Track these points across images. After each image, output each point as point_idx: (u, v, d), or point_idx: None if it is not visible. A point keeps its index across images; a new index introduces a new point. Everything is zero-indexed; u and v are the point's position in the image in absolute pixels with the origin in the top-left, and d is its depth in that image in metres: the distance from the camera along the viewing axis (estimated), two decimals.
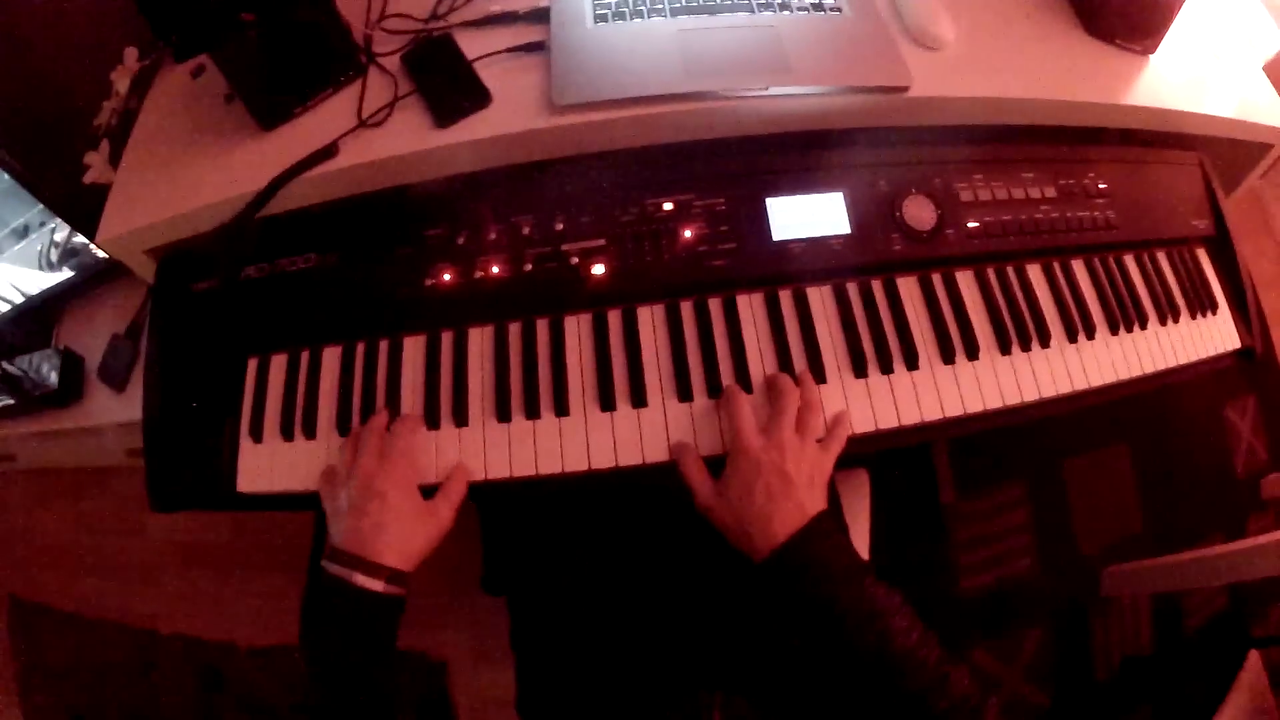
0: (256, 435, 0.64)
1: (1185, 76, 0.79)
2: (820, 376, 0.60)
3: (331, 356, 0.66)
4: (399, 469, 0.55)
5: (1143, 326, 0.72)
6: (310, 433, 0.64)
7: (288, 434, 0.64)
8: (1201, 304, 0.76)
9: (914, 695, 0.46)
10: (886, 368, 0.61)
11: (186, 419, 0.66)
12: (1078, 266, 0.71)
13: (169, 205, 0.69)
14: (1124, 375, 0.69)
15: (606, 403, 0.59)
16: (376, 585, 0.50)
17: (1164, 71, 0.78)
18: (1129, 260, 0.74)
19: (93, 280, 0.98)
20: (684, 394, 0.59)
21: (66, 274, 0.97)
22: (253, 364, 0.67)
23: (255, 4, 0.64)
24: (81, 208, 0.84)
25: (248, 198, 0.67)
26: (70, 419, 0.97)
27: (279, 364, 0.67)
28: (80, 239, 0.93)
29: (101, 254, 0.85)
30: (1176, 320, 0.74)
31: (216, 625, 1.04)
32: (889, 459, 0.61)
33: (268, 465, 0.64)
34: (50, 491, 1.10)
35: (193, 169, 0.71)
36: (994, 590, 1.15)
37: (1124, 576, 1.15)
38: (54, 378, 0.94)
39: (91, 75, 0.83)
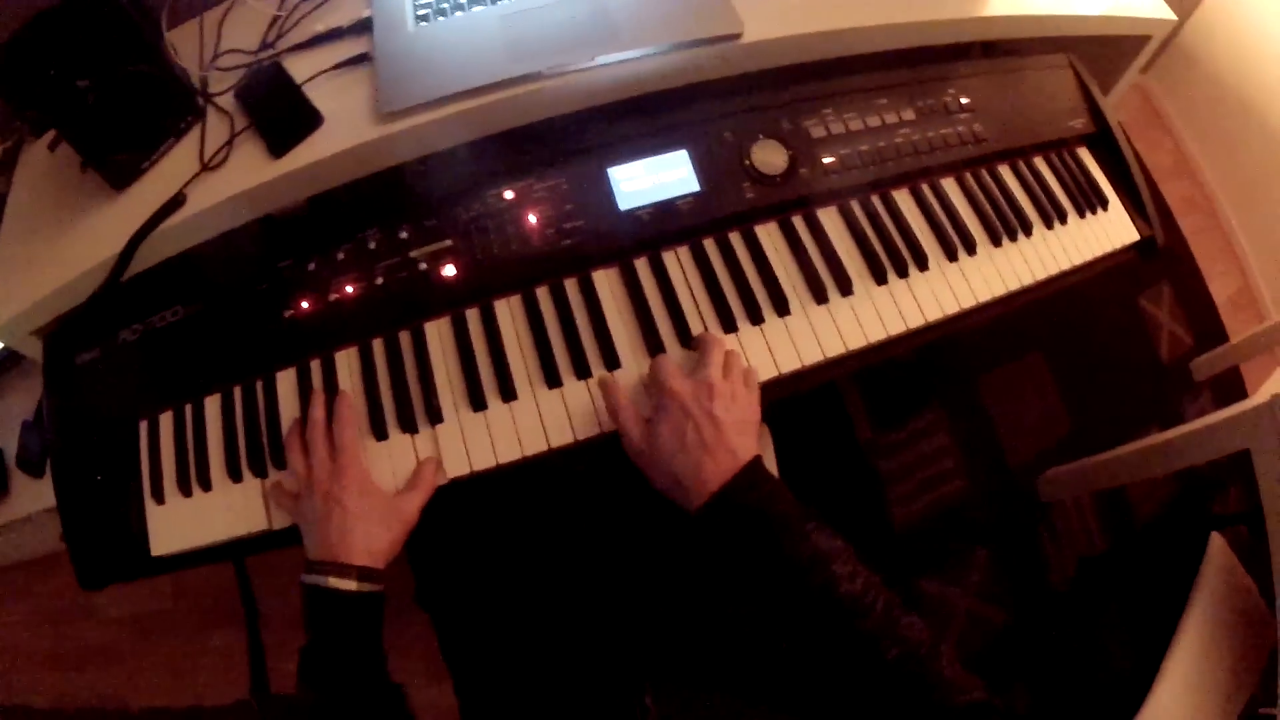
0: (159, 497, 0.63)
1: None
2: (687, 339, 0.58)
3: (212, 405, 0.65)
4: (352, 472, 0.54)
5: (1027, 234, 0.71)
6: (206, 485, 0.63)
7: (185, 490, 0.63)
8: (1089, 202, 0.75)
9: (862, 644, 0.44)
10: (756, 318, 0.60)
11: (95, 493, 0.65)
12: (948, 185, 0.70)
13: (43, 283, 0.67)
14: (1014, 286, 0.68)
15: (477, 403, 0.58)
16: (350, 585, 0.50)
17: None
18: (1004, 170, 0.73)
19: None
20: (552, 381, 0.57)
21: None
22: (143, 426, 0.66)
23: (88, 69, 0.63)
24: None
25: (111, 263, 0.66)
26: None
27: (166, 422, 0.66)
28: None
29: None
30: (1064, 222, 0.73)
31: (181, 690, 1.04)
32: (790, 408, 0.59)
33: (176, 524, 0.63)
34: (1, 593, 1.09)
35: (60, 242, 0.69)
36: (930, 517, 1.13)
37: (1061, 480, 1.14)
38: None
39: None
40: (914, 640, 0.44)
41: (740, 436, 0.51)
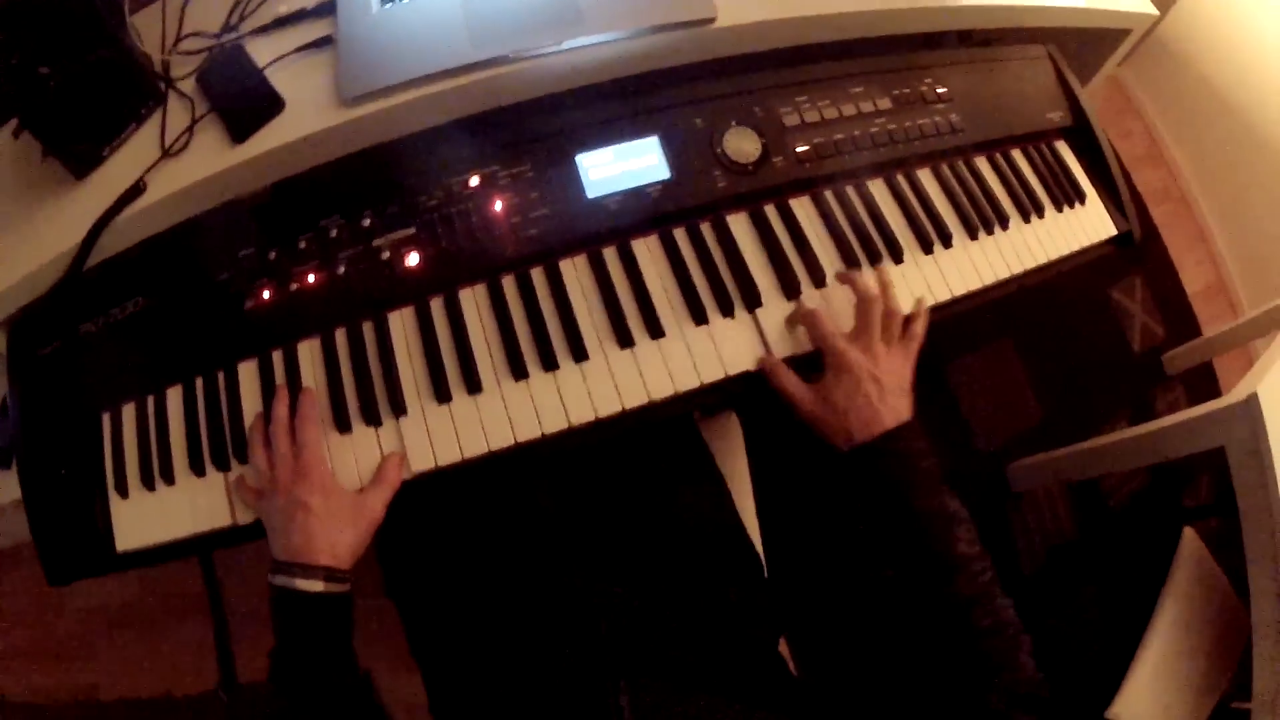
0: (123, 491, 0.62)
1: None
2: (657, 330, 0.57)
3: (174, 397, 0.64)
4: (316, 472, 0.54)
5: (1004, 227, 0.70)
6: (169, 479, 0.61)
7: (149, 484, 0.61)
8: (1067, 196, 0.75)
9: (960, 605, 0.47)
10: (727, 310, 0.59)
11: (60, 488, 0.63)
12: (924, 176, 0.69)
13: (4, 275, 0.66)
14: (989, 279, 0.67)
15: (442, 395, 0.56)
16: (316, 586, 0.50)
17: None
18: (980, 162, 0.72)
19: None
20: (519, 373, 0.56)
21: None
22: (106, 419, 0.65)
23: (50, 56, 0.61)
24: None
25: (73, 253, 0.65)
26: None
27: (129, 415, 0.64)
28: None
29: None
30: (1042, 215, 0.72)
31: (152, 681, 1.03)
32: (758, 391, 0.59)
33: (140, 519, 0.62)
34: None
35: (20, 232, 0.67)
36: None
37: (1033, 469, 1.14)
38: None
39: None
40: (1006, 620, 0.47)
41: (901, 397, 0.55)
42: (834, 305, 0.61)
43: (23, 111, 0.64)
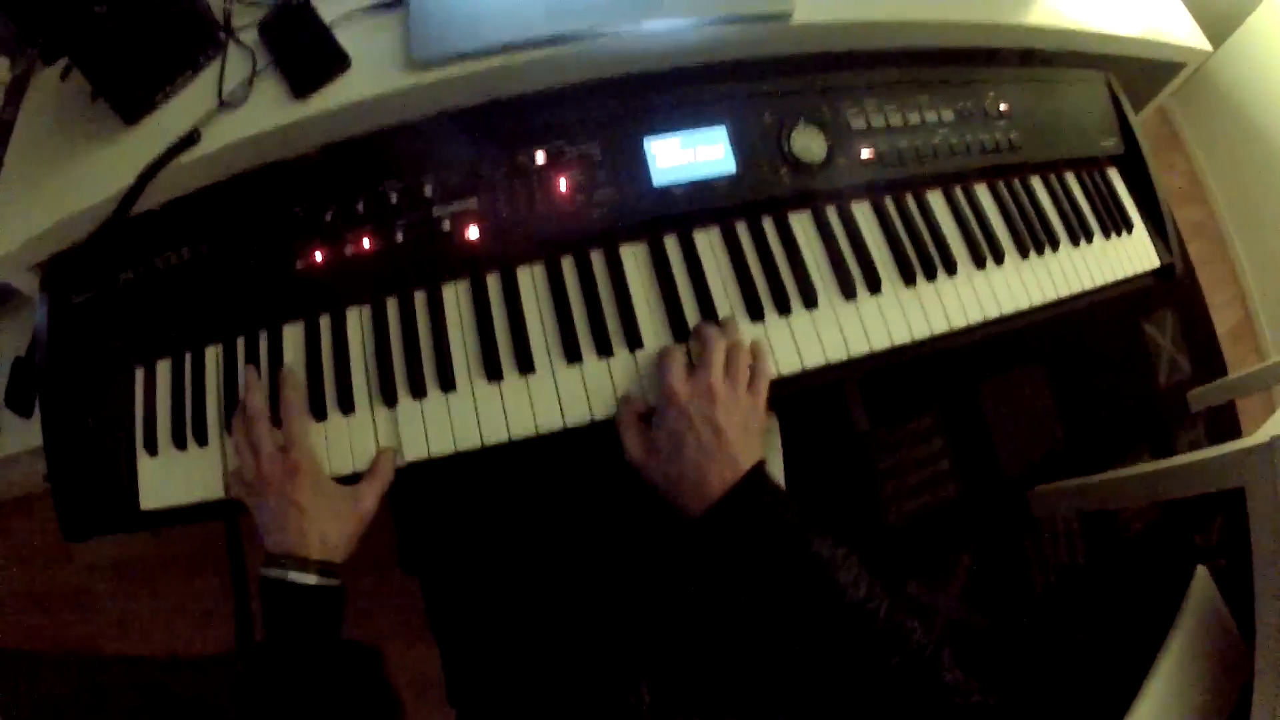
0: (151, 449, 0.60)
1: None
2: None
3: (213, 356, 0.62)
4: (305, 468, 0.53)
5: (1054, 249, 0.70)
6: (202, 439, 0.60)
7: (180, 443, 0.60)
8: (1115, 223, 0.75)
9: (865, 652, 0.44)
10: (784, 309, 0.58)
11: (85, 440, 0.62)
12: (981, 191, 0.69)
13: (44, 216, 0.64)
14: (1038, 300, 0.68)
15: (493, 372, 0.56)
16: (310, 579, 0.50)
17: None
18: (1035, 182, 0.73)
19: None
20: (572, 356, 0.56)
21: None
22: (139, 373, 0.63)
23: None
24: None
25: (117, 199, 0.63)
26: None
27: (164, 370, 0.63)
28: None
29: None
30: (1090, 241, 0.73)
31: (157, 639, 1.02)
32: (797, 397, 0.58)
33: (168, 478, 0.60)
34: None
35: (64, 174, 0.66)
36: (919, 519, 1.13)
37: (1052, 497, 1.15)
38: None
39: None
40: (914, 646, 0.44)
41: (742, 442, 0.49)
42: (888, 316, 0.60)
43: (74, 50, 0.63)
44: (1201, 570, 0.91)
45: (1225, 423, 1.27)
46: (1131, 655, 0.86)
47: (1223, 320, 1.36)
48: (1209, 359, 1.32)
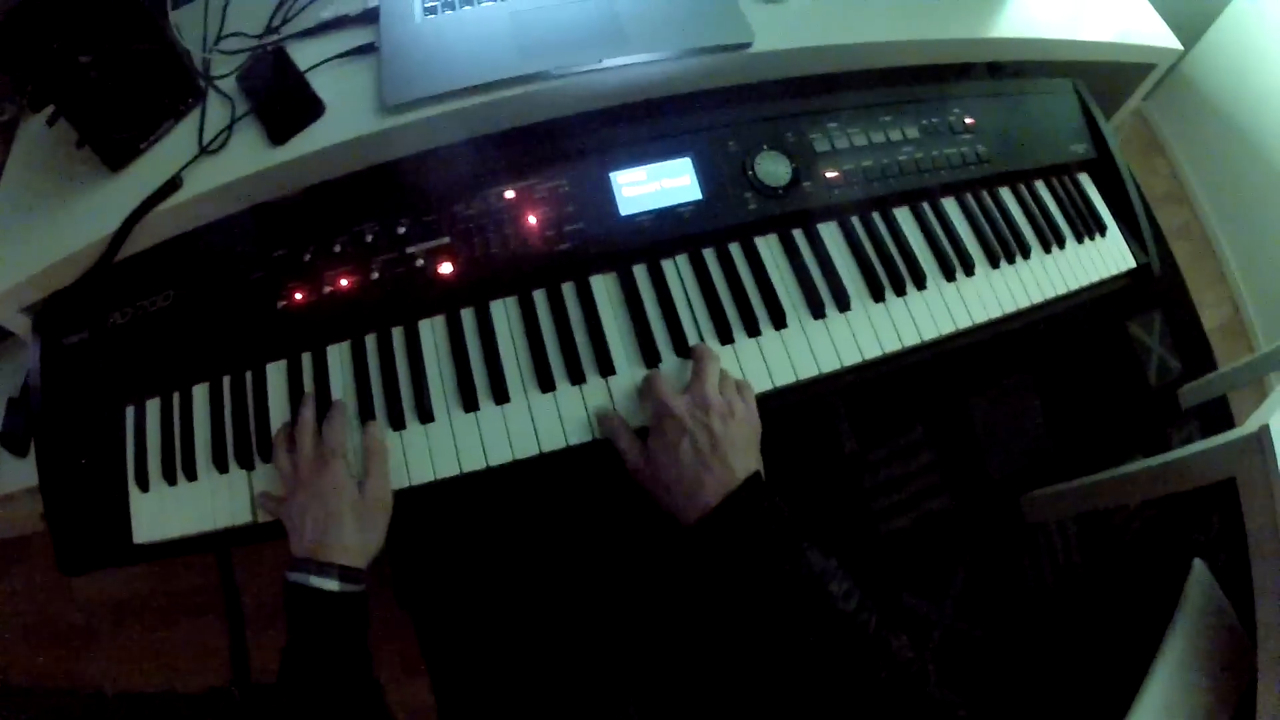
0: (143, 484, 0.62)
1: (1056, 1, 0.78)
2: (683, 349, 0.58)
3: (201, 395, 0.64)
4: (334, 467, 0.54)
5: (1025, 257, 0.71)
6: (191, 474, 0.62)
7: (170, 479, 0.62)
8: (1088, 227, 0.76)
9: (853, 664, 0.44)
10: (753, 331, 0.59)
11: (80, 477, 0.64)
12: (949, 205, 0.70)
13: (33, 261, 0.67)
14: (1010, 308, 0.68)
15: (469, 404, 0.57)
16: (332, 585, 0.51)
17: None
18: (1005, 192, 0.73)
19: None
20: (545, 385, 0.57)
21: None
22: (130, 412, 0.65)
23: (91, 45, 0.62)
24: None
25: (105, 243, 0.65)
26: None
27: (153, 409, 0.65)
28: None
29: None
30: (1062, 246, 0.73)
31: (156, 677, 1.03)
32: (785, 421, 0.59)
33: (159, 513, 0.62)
34: None
35: (53, 219, 0.69)
36: (912, 532, 1.14)
37: (1045, 501, 1.14)
38: None
39: None
40: (902, 661, 0.44)
41: (739, 451, 0.50)
42: (858, 332, 0.61)
43: (60, 99, 0.65)
44: (1199, 563, 0.90)
45: (1218, 418, 1.26)
46: (1132, 656, 0.86)
47: (1212, 318, 1.35)
48: (1200, 357, 1.32)
